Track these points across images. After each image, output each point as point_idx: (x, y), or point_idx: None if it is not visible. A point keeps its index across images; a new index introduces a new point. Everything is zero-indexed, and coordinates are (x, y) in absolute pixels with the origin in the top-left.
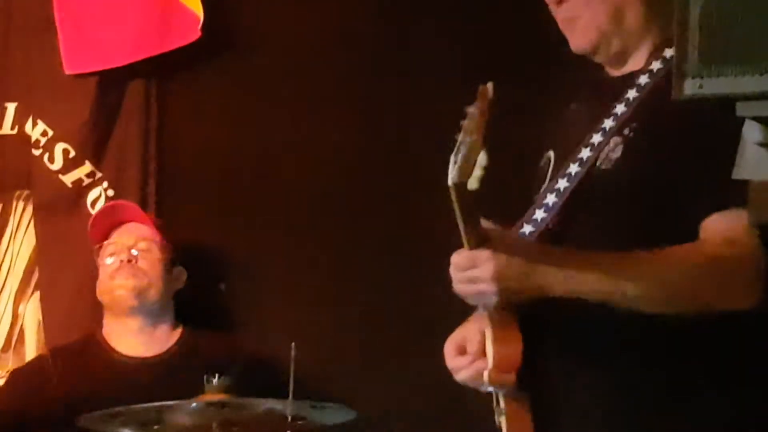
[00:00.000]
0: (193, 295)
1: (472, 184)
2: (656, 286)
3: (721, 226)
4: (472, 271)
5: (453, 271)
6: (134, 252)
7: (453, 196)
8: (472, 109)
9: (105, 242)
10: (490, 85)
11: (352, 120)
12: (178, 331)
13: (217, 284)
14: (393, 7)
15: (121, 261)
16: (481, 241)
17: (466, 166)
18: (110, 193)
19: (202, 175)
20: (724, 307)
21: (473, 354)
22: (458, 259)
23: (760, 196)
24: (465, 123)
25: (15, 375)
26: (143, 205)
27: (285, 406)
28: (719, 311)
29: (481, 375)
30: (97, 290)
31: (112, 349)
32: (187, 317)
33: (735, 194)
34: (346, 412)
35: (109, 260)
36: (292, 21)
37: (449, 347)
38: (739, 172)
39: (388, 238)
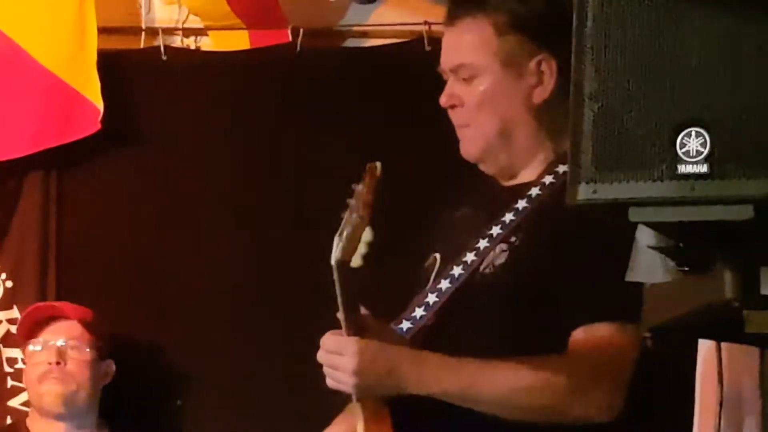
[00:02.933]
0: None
1: (356, 261)
2: (513, 394)
3: (589, 339)
4: (335, 358)
5: (320, 352)
6: (63, 349)
7: (335, 275)
8: (359, 187)
9: (33, 339)
10: (378, 164)
11: (250, 213)
12: (105, 428)
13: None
14: (291, 106)
15: (50, 363)
16: (358, 329)
17: (351, 243)
18: (8, 284)
19: (102, 265)
20: (581, 418)
21: None
22: (327, 340)
23: (653, 299)
24: (351, 201)
25: None
26: (42, 296)
27: None
28: (577, 422)
29: None
30: (25, 385)
31: None
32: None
33: (609, 307)
34: None
35: (38, 359)
36: (191, 116)
37: None
38: (633, 275)
39: (289, 326)
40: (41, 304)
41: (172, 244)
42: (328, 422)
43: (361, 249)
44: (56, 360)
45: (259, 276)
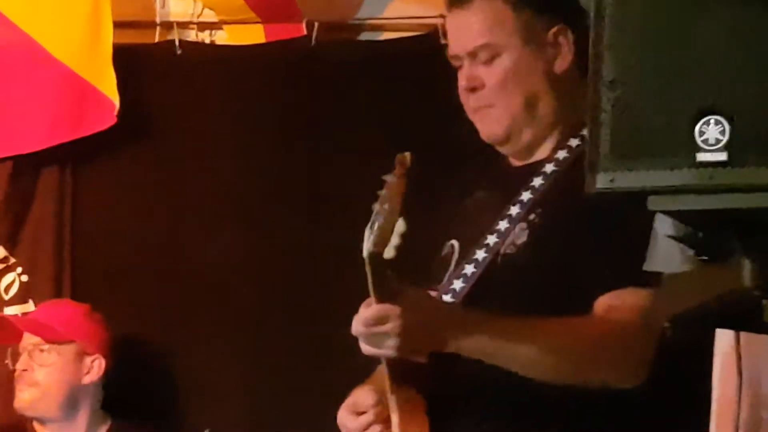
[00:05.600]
0: (120, 382)
1: (389, 252)
2: (543, 353)
3: (613, 304)
4: (377, 324)
5: (357, 321)
6: (29, 362)
7: (368, 267)
8: (389, 178)
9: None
10: (408, 154)
11: (265, 208)
12: (106, 424)
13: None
14: (305, 100)
15: (20, 369)
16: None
17: (383, 235)
18: (24, 278)
19: (117, 259)
20: (608, 382)
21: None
22: (364, 310)
23: (672, 288)
24: (382, 192)
25: None
26: (58, 290)
27: None
28: (602, 386)
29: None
30: None
31: None
32: (115, 406)
33: (631, 272)
34: None
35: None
36: (206, 110)
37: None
38: (651, 265)
39: (301, 320)
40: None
41: (186, 238)
42: None
43: (395, 240)
44: (23, 367)
45: (274, 272)
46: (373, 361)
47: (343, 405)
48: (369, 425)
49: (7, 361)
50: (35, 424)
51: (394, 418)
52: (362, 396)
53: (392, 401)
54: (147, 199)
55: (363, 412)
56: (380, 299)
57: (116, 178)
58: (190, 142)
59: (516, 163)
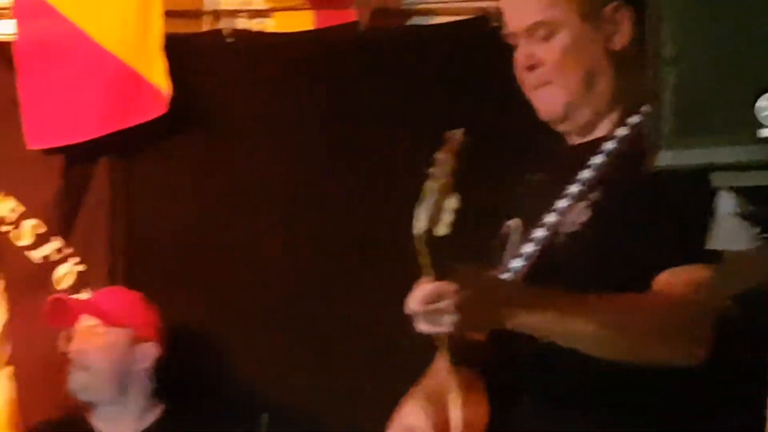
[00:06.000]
0: (172, 368)
1: (442, 229)
2: (602, 330)
3: (674, 281)
4: (435, 301)
5: (413, 298)
6: (83, 345)
7: (420, 245)
8: (440, 155)
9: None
10: (460, 131)
11: (317, 196)
12: (158, 408)
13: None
14: (357, 86)
15: (72, 354)
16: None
17: (435, 212)
18: (80, 268)
19: (170, 248)
20: (667, 360)
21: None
22: (421, 287)
23: (735, 266)
24: (434, 169)
25: None
26: (112, 280)
27: None
28: (661, 365)
29: None
30: None
31: (91, 427)
32: (168, 392)
33: (694, 252)
34: None
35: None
36: (256, 98)
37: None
38: (714, 243)
39: (354, 303)
40: (54, 298)
41: (238, 226)
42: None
43: (447, 217)
44: (76, 350)
45: (327, 257)
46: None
47: (395, 423)
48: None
49: (60, 344)
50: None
51: (453, 397)
52: (414, 417)
53: (450, 379)
54: (197, 187)
55: None
56: (436, 277)
57: (167, 167)
58: (240, 129)
59: (575, 141)
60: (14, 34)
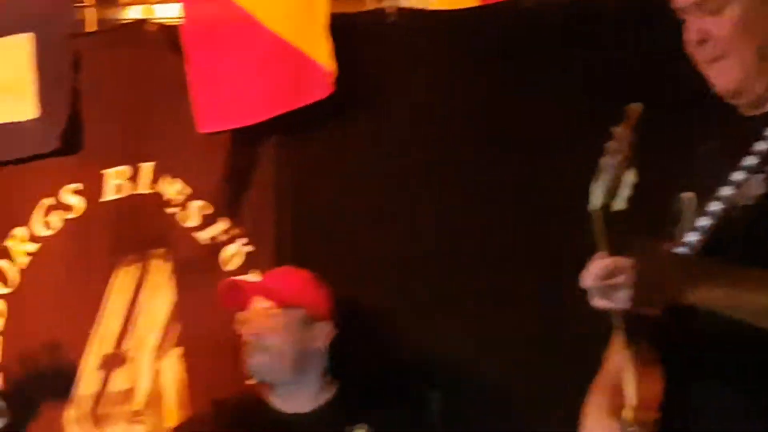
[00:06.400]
0: (344, 346)
1: (620, 204)
2: None
3: None
4: (610, 276)
5: (588, 274)
6: (261, 327)
7: (597, 221)
8: (618, 129)
9: (240, 312)
10: (638, 105)
11: (481, 177)
12: (333, 386)
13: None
14: (522, 54)
15: (249, 337)
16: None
17: (612, 187)
18: (248, 248)
19: (336, 228)
20: None
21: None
22: (597, 262)
23: None
24: (610, 144)
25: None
26: (280, 260)
27: None
28: None
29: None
30: None
31: (270, 405)
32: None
33: None
34: None
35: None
36: (420, 77)
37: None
38: None
39: (524, 278)
40: (231, 281)
41: (402, 204)
42: None
43: (625, 192)
44: (255, 333)
45: (494, 232)
46: (604, 318)
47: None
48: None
49: (236, 327)
50: (264, 389)
51: (628, 374)
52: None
53: (626, 355)
54: (362, 167)
55: None
56: (612, 252)
57: (332, 147)
58: (403, 109)
59: (748, 112)
60: (181, 18)
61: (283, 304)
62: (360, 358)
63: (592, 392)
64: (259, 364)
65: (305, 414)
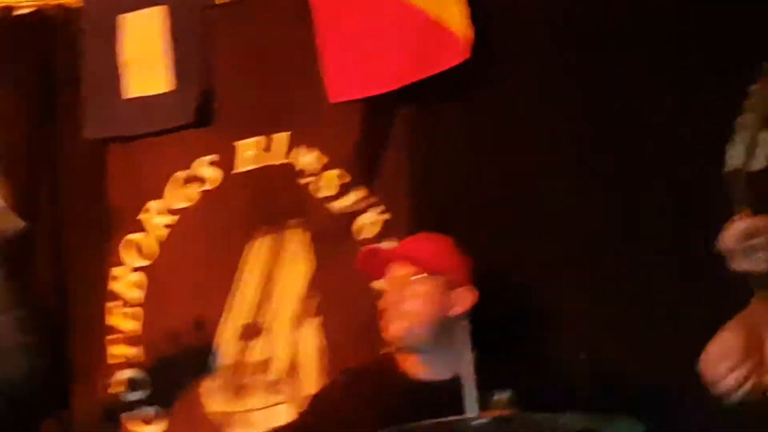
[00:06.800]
0: (484, 314)
1: (757, 164)
2: None
3: None
4: (750, 238)
5: (728, 235)
6: (400, 293)
7: (733, 181)
8: (755, 87)
9: (378, 280)
10: None
11: (621, 130)
12: (473, 353)
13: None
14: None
15: (388, 303)
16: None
17: (750, 146)
18: (384, 216)
19: (472, 194)
20: None
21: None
22: (737, 224)
23: None
24: (747, 103)
25: (316, 399)
26: (417, 226)
27: (573, 420)
28: None
29: (752, 379)
30: None
31: (408, 373)
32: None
33: None
34: (636, 426)
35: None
36: (557, 45)
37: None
38: None
39: (658, 242)
40: (370, 248)
41: (538, 173)
42: None
43: (763, 150)
44: (395, 299)
45: (627, 197)
46: (740, 282)
47: (710, 347)
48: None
49: (375, 294)
50: (401, 357)
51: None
52: (732, 340)
53: (764, 325)
54: (497, 131)
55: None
56: (753, 212)
57: (467, 114)
58: (538, 75)
59: None
60: None
61: (423, 269)
62: (500, 324)
63: (726, 329)
64: (398, 330)
65: (445, 381)
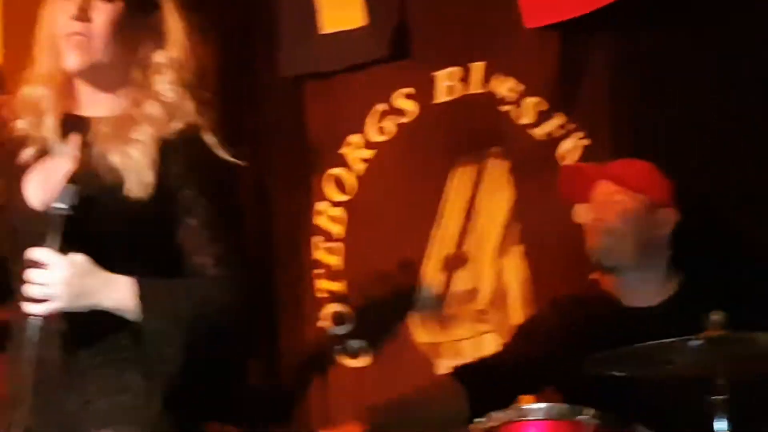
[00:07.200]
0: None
1: None
2: None
3: None
4: None
5: None
6: (605, 210)
7: None
8: None
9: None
10: None
11: None
12: (677, 277)
13: None
14: None
15: (594, 221)
16: None
17: None
18: (585, 142)
19: (678, 120)
20: None
21: None
22: None
23: None
24: None
25: (522, 329)
26: (619, 152)
27: None
28: None
29: None
30: None
31: (614, 299)
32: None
33: None
34: None
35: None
36: None
37: None
38: None
39: None
40: (573, 166)
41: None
42: None
43: None
44: (600, 217)
45: None
46: None
47: None
48: None
49: (577, 214)
50: (606, 281)
51: None
52: None
53: None
54: (700, 54)
55: None
56: None
57: (668, 34)
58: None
59: None
60: None
61: (627, 188)
62: (705, 248)
63: None
64: (603, 247)
65: (652, 307)
